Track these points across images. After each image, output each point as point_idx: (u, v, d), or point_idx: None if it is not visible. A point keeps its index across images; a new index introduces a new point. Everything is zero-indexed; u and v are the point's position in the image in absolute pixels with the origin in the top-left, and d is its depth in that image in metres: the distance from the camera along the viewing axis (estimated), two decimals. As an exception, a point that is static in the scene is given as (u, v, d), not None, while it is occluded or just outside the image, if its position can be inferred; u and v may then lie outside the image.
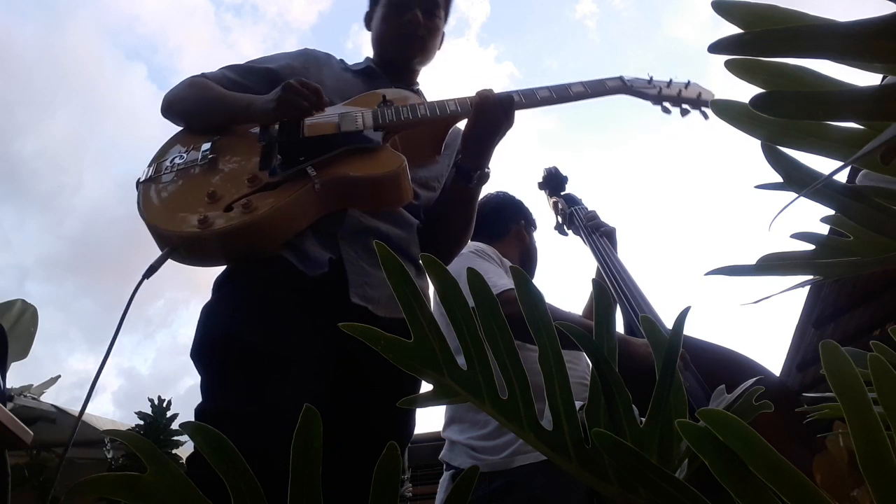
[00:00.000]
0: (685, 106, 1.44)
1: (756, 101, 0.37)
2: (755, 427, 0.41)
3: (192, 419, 1.14)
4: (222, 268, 1.30)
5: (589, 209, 2.10)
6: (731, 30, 0.39)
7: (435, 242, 1.47)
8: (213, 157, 1.31)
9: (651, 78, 1.48)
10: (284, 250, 1.23)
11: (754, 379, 0.55)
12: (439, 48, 1.65)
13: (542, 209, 2.28)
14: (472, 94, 1.39)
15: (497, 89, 1.41)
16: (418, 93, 1.61)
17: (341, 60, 1.64)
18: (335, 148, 1.27)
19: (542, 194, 2.30)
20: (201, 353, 1.20)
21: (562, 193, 2.22)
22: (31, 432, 1.74)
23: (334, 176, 1.24)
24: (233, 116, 1.38)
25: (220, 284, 1.28)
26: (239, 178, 1.25)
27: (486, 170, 1.42)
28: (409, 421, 1.35)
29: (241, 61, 1.54)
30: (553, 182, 2.27)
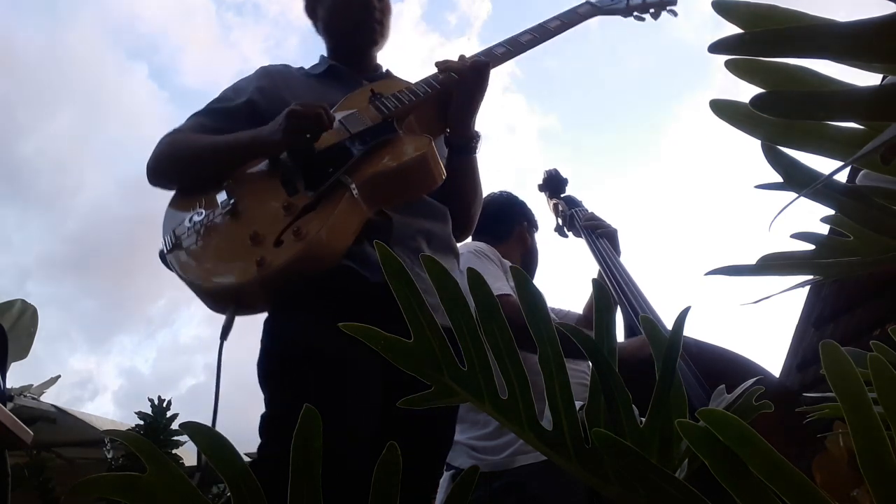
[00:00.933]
0: (652, 10, 1.55)
1: (756, 101, 0.37)
2: (755, 427, 0.41)
3: (197, 413, 1.15)
4: None
5: (589, 211, 2.10)
6: (732, 30, 0.39)
7: (455, 218, 1.46)
8: (233, 201, 1.25)
9: None
10: (345, 259, 1.21)
11: (754, 379, 0.55)
12: (391, 28, 1.60)
13: (542, 211, 2.28)
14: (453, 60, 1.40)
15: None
16: (390, 75, 1.59)
17: (300, 68, 1.59)
18: (355, 150, 1.25)
19: (543, 196, 2.30)
20: (281, 368, 1.17)
21: (562, 195, 2.22)
22: (31, 432, 1.74)
23: (370, 175, 1.22)
24: (236, 158, 1.32)
25: (282, 301, 1.23)
26: (273, 212, 1.21)
27: (477, 134, 1.43)
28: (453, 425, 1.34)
29: (241, 66, 1.53)
30: (553, 184, 2.27)
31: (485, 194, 2.23)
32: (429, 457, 1.25)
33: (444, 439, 1.31)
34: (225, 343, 1.16)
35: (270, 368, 1.18)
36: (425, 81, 1.39)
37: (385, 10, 1.55)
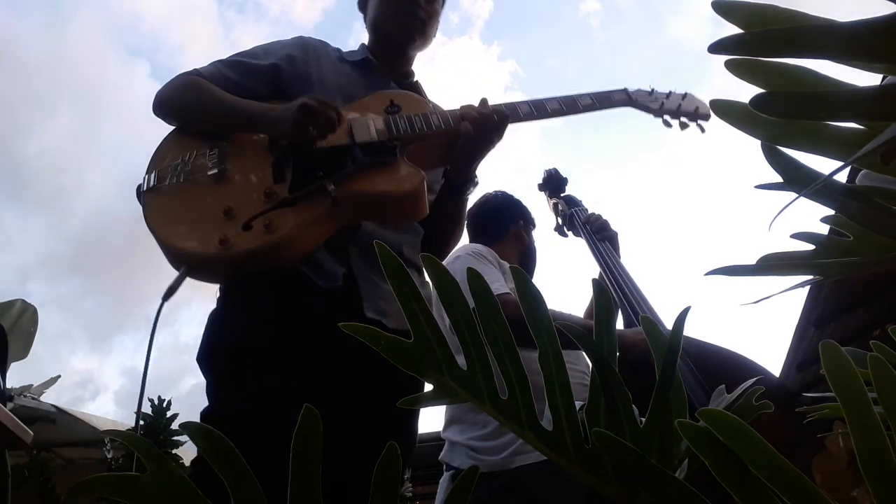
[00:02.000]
0: (683, 119, 1.50)
1: (756, 101, 0.37)
2: (755, 427, 0.41)
3: (198, 412, 1.15)
4: None
5: (589, 211, 2.10)
6: (733, 30, 0.39)
7: (430, 245, 1.48)
8: (223, 166, 1.26)
9: (653, 90, 1.52)
10: (299, 264, 1.22)
11: (754, 379, 0.55)
12: (434, 36, 1.62)
13: (542, 211, 2.29)
14: (475, 102, 1.39)
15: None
16: (418, 87, 1.60)
17: (337, 49, 1.60)
18: (351, 161, 1.26)
19: (543, 196, 2.30)
20: (208, 358, 1.20)
21: (562, 195, 2.22)
22: (31, 432, 1.74)
23: (354, 192, 1.22)
24: (238, 125, 1.33)
25: (228, 292, 1.27)
26: (254, 193, 1.22)
27: (476, 178, 1.44)
28: (413, 425, 1.35)
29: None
30: (553, 183, 2.27)
31: (482, 194, 2.25)
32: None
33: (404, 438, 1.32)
34: (165, 304, 1.17)
35: (200, 354, 1.20)
36: (443, 115, 1.38)
37: (431, 14, 1.56)
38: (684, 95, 1.52)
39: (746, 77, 0.43)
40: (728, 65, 0.43)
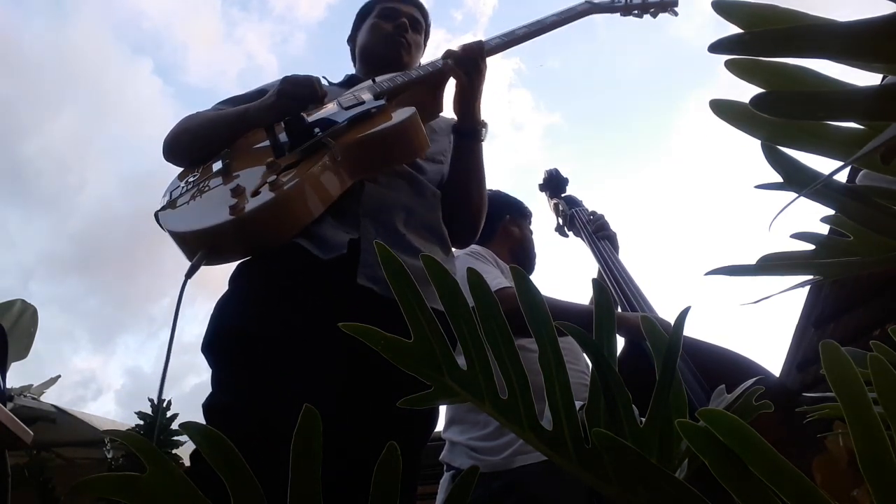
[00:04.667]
0: (653, 10, 1.60)
1: (756, 101, 0.37)
2: (755, 427, 0.41)
3: (201, 412, 1.14)
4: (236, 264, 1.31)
5: (590, 211, 2.10)
6: (734, 30, 0.39)
7: (456, 211, 1.50)
8: (227, 168, 1.31)
9: None
10: (300, 238, 1.23)
11: (754, 379, 0.55)
12: (415, 65, 1.69)
13: (542, 211, 2.29)
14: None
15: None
16: None
17: (322, 77, 1.67)
18: (342, 119, 1.31)
19: (543, 196, 2.31)
20: (212, 345, 1.20)
21: (562, 195, 2.22)
22: (31, 432, 1.74)
23: (352, 140, 1.26)
24: (232, 128, 1.38)
25: (233, 278, 1.29)
26: (258, 170, 1.26)
27: (483, 122, 1.48)
28: (434, 411, 1.35)
29: (246, 63, 1.61)
30: (554, 184, 2.27)
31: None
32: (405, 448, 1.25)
33: (421, 431, 1.31)
34: (188, 282, 1.19)
35: (205, 342, 1.21)
36: (421, 66, 1.47)
37: (413, 43, 1.64)
38: None
39: (746, 77, 0.43)
40: (728, 65, 0.43)
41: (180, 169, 1.45)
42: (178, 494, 0.47)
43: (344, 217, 1.28)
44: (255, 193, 1.18)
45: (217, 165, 1.33)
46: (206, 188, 1.29)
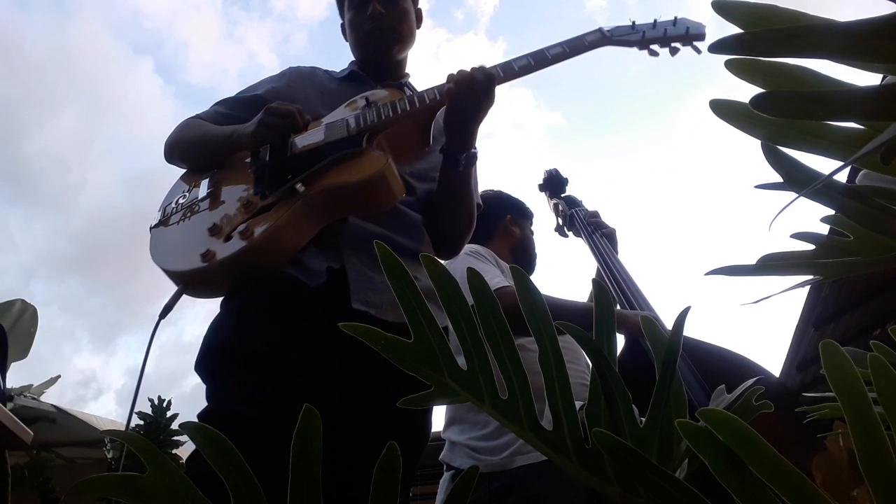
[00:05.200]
0: (674, 44, 1.36)
1: (756, 101, 0.37)
2: (755, 427, 0.41)
3: (195, 420, 1.15)
4: None
5: (589, 210, 2.10)
6: (733, 30, 0.39)
7: (443, 232, 1.49)
8: (213, 190, 1.35)
9: (634, 23, 1.40)
10: (287, 266, 1.26)
11: (754, 379, 0.55)
12: (418, 27, 1.63)
13: (542, 211, 2.29)
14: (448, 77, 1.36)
15: (505, 85, 1.38)
16: (407, 85, 1.61)
17: (326, 71, 1.66)
18: (321, 160, 1.30)
19: (543, 196, 2.31)
20: (205, 361, 1.21)
21: (562, 195, 2.22)
22: (31, 432, 1.74)
23: (323, 188, 1.26)
24: (220, 149, 1.42)
25: (224, 301, 1.30)
26: (235, 207, 1.29)
27: (473, 150, 1.41)
28: (426, 422, 1.36)
29: (247, 62, 1.61)
30: (553, 184, 2.27)
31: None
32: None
33: (415, 439, 1.33)
34: (161, 322, 1.26)
35: (198, 359, 1.23)
36: (418, 95, 1.37)
37: (397, 15, 1.57)
38: (674, 20, 1.38)
39: (746, 77, 0.43)
40: (728, 65, 0.43)
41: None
42: (178, 494, 0.47)
43: (326, 248, 1.30)
44: (228, 237, 1.23)
45: (205, 186, 1.37)
46: (192, 212, 1.34)
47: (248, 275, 1.24)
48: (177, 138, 1.50)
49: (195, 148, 1.46)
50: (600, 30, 1.39)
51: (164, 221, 1.37)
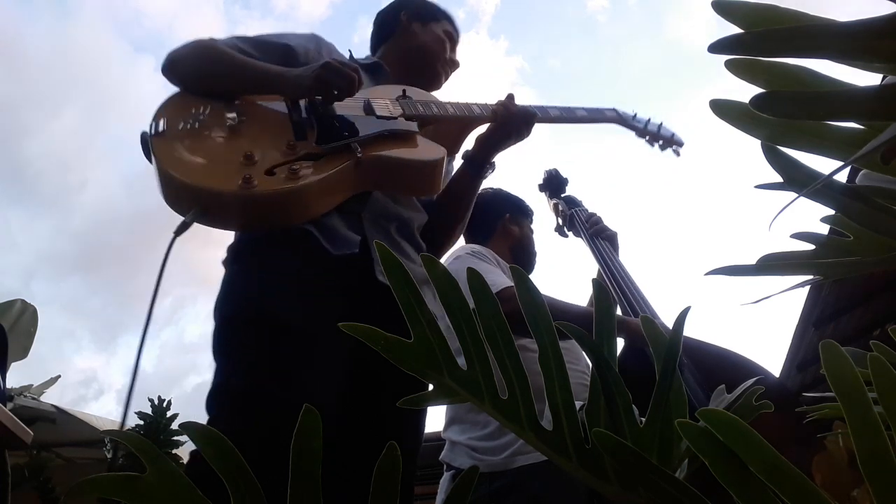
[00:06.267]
0: (661, 143, 1.77)
1: (756, 101, 0.37)
2: (755, 427, 0.41)
3: (203, 411, 1.11)
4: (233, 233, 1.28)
5: (590, 211, 2.10)
6: (734, 30, 0.39)
7: (435, 230, 1.51)
8: (242, 118, 1.23)
9: (635, 114, 1.76)
10: (309, 225, 1.21)
11: (754, 379, 0.55)
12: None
13: (542, 211, 2.28)
14: (494, 101, 1.49)
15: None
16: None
17: (349, 51, 1.62)
18: (373, 130, 1.27)
19: (543, 196, 2.30)
20: (231, 330, 1.17)
21: (562, 195, 2.22)
22: (31, 432, 1.74)
23: (378, 155, 1.23)
24: (259, 83, 1.30)
25: (241, 253, 1.25)
26: (276, 145, 1.19)
27: (494, 164, 1.52)
28: (420, 423, 1.36)
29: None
30: (553, 184, 2.27)
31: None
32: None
33: (410, 433, 1.31)
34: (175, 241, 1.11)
35: (223, 321, 1.18)
36: (465, 105, 1.46)
37: (454, 67, 1.65)
38: (660, 125, 1.77)
39: (746, 77, 0.43)
40: (728, 65, 0.43)
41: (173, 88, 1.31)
42: (178, 494, 0.47)
43: (348, 216, 1.27)
44: (270, 172, 1.13)
45: (230, 116, 1.22)
46: (213, 136, 1.20)
47: (270, 223, 1.17)
48: (195, 55, 1.32)
49: (225, 70, 1.30)
50: (615, 110, 1.75)
51: (169, 133, 1.18)
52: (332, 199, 1.21)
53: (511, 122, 1.46)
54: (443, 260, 1.60)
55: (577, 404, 0.52)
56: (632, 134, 1.77)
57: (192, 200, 1.12)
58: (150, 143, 1.17)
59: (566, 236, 2.12)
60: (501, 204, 2.19)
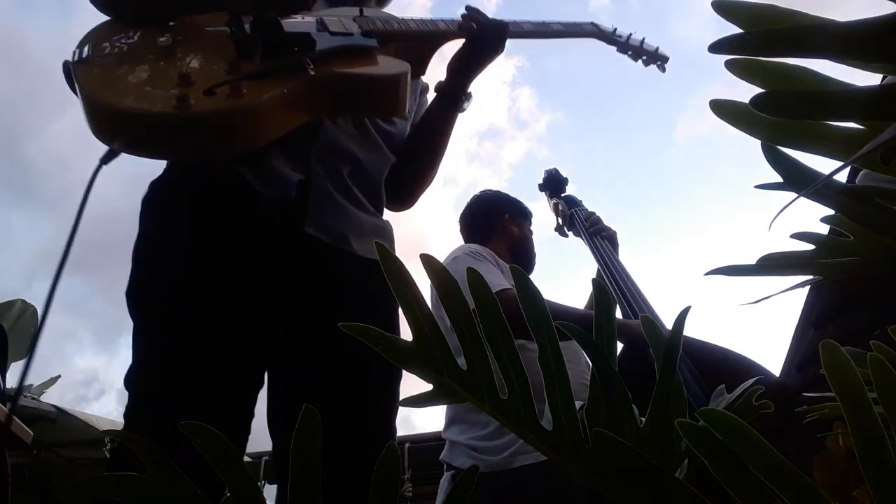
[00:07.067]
0: (645, 57, 1.63)
1: (756, 101, 0.37)
2: (755, 427, 0.41)
3: (129, 373, 1.03)
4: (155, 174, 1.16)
5: (590, 211, 2.10)
6: (734, 30, 0.39)
7: (408, 177, 1.41)
8: (177, 37, 1.09)
9: (615, 29, 1.62)
10: (240, 165, 1.10)
11: (754, 379, 0.55)
12: None
13: (543, 211, 2.29)
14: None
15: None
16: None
17: None
18: (327, 45, 1.13)
19: (543, 196, 2.31)
20: (137, 295, 1.07)
21: (562, 195, 2.22)
22: (31, 432, 1.74)
23: (333, 72, 1.09)
24: (197, 4, 1.15)
25: (154, 208, 1.14)
26: (215, 65, 1.06)
27: (470, 93, 1.38)
28: (386, 390, 1.19)
29: None
30: (553, 184, 2.28)
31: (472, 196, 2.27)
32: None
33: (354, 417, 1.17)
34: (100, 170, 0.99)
35: (132, 298, 1.08)
36: (429, 20, 1.31)
37: None
38: (642, 39, 1.63)
39: (746, 77, 0.43)
40: (728, 65, 0.43)
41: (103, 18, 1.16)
42: (178, 495, 0.47)
43: (293, 152, 1.15)
44: (210, 92, 1.00)
45: (162, 39, 1.09)
46: (144, 60, 1.07)
47: (207, 150, 1.05)
48: None
49: None
50: (593, 23, 1.58)
51: (93, 59, 1.06)
52: (279, 123, 1.07)
53: (484, 37, 1.30)
54: (441, 260, 1.60)
55: (577, 404, 0.52)
56: (613, 50, 1.62)
57: (120, 126, 1.02)
58: (72, 71, 1.07)
59: (566, 236, 2.13)
60: (501, 205, 2.20)
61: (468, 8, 1.32)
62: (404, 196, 1.44)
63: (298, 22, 1.17)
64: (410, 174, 1.41)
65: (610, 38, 1.58)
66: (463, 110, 1.39)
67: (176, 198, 1.13)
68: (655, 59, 1.64)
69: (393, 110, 1.18)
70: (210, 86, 1.00)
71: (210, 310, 1.04)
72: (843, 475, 0.52)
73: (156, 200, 1.14)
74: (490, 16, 1.33)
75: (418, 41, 1.30)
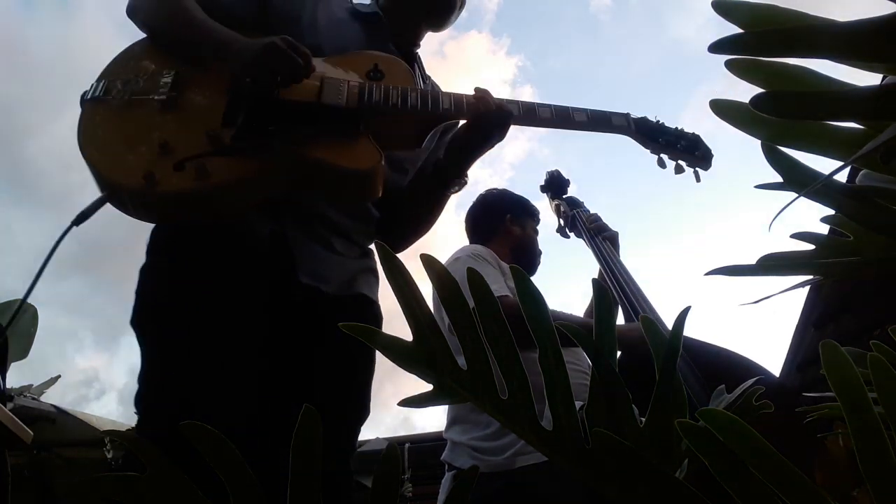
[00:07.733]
0: (681, 162, 1.36)
1: (756, 101, 0.37)
2: (755, 427, 0.41)
3: (141, 378, 1.08)
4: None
5: (591, 212, 2.10)
6: (734, 30, 0.39)
7: (393, 230, 1.39)
8: (174, 93, 1.15)
9: (658, 120, 1.39)
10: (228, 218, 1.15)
11: (754, 379, 0.55)
12: None
13: (544, 212, 2.29)
14: (470, 92, 1.27)
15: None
16: (416, 59, 1.48)
17: (352, 2, 1.46)
18: (310, 122, 1.15)
19: (545, 197, 2.31)
20: (140, 321, 1.12)
21: (564, 196, 2.22)
22: (31, 432, 1.74)
23: (302, 157, 1.12)
24: (201, 46, 1.20)
25: (157, 247, 1.18)
26: (197, 131, 1.10)
27: (466, 177, 1.36)
28: (362, 400, 1.26)
29: None
30: (555, 185, 2.27)
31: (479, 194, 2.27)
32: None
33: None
34: (73, 229, 1.10)
35: (133, 316, 1.13)
36: (425, 96, 1.24)
37: (462, 6, 1.46)
38: (679, 137, 1.38)
39: (746, 77, 0.43)
40: (728, 65, 0.43)
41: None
42: (178, 495, 0.47)
43: (266, 209, 1.17)
44: (179, 166, 1.06)
45: (166, 84, 1.16)
46: (141, 109, 1.14)
47: (176, 220, 1.12)
48: (154, 6, 1.25)
49: (174, 31, 1.22)
50: (628, 115, 1.36)
51: (102, 100, 1.14)
52: (250, 196, 1.12)
53: (485, 124, 1.25)
54: (442, 261, 1.59)
55: (577, 404, 0.52)
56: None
57: (100, 184, 1.10)
58: (81, 109, 1.14)
59: (568, 237, 2.13)
60: (503, 204, 2.19)
61: (476, 90, 1.27)
62: (392, 245, 1.45)
63: (303, 85, 1.17)
64: (393, 237, 1.40)
65: (644, 140, 1.35)
66: (455, 192, 1.37)
67: (182, 247, 1.16)
68: (693, 163, 1.36)
69: (362, 197, 1.24)
70: (182, 158, 1.07)
71: (218, 333, 1.09)
72: (843, 475, 0.52)
73: (164, 249, 1.18)
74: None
75: (414, 118, 1.26)
